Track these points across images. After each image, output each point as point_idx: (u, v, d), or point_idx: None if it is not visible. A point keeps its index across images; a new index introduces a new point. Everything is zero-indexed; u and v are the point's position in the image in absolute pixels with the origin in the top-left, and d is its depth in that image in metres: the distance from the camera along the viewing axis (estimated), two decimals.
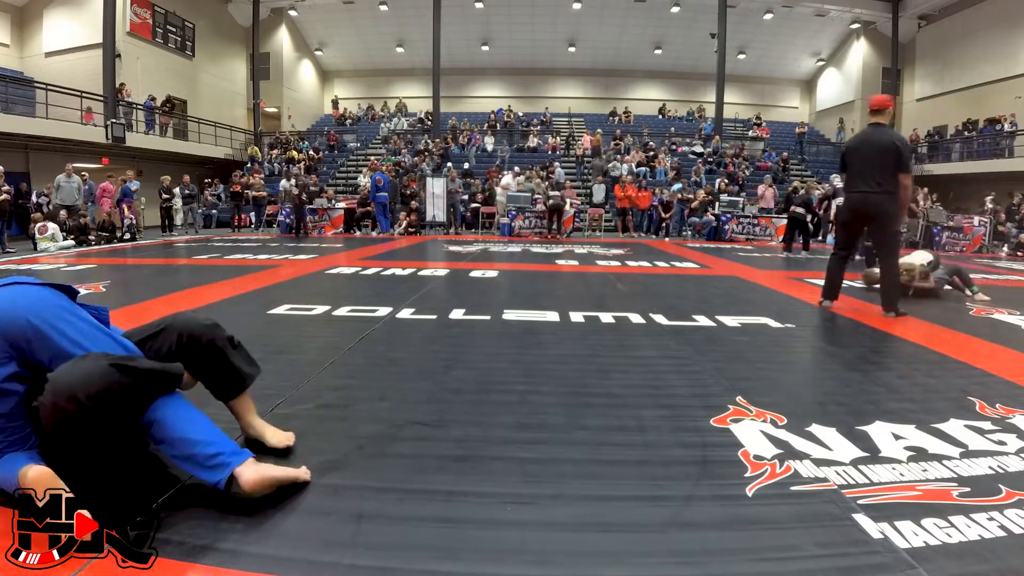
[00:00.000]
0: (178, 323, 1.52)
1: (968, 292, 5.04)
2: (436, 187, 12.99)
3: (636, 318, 3.71)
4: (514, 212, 12.65)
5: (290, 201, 11.91)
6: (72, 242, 9.31)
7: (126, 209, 11.02)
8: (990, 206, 12.50)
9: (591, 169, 16.12)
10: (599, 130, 18.65)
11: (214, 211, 14.47)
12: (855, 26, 20.25)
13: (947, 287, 5.18)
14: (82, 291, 4.51)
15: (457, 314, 3.73)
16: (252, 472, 1.34)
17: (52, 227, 9.21)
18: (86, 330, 1.37)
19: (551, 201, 11.90)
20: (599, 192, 13.72)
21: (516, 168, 14.49)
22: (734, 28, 18.74)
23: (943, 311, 4.36)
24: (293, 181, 11.43)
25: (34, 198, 10.59)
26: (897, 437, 1.84)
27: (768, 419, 1.97)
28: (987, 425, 1.96)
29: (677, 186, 13.61)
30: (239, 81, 20.53)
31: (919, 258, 5.15)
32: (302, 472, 1.48)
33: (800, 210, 9.77)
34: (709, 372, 2.54)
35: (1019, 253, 11.12)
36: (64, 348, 1.31)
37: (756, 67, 22.81)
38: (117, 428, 1.32)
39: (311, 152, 18.20)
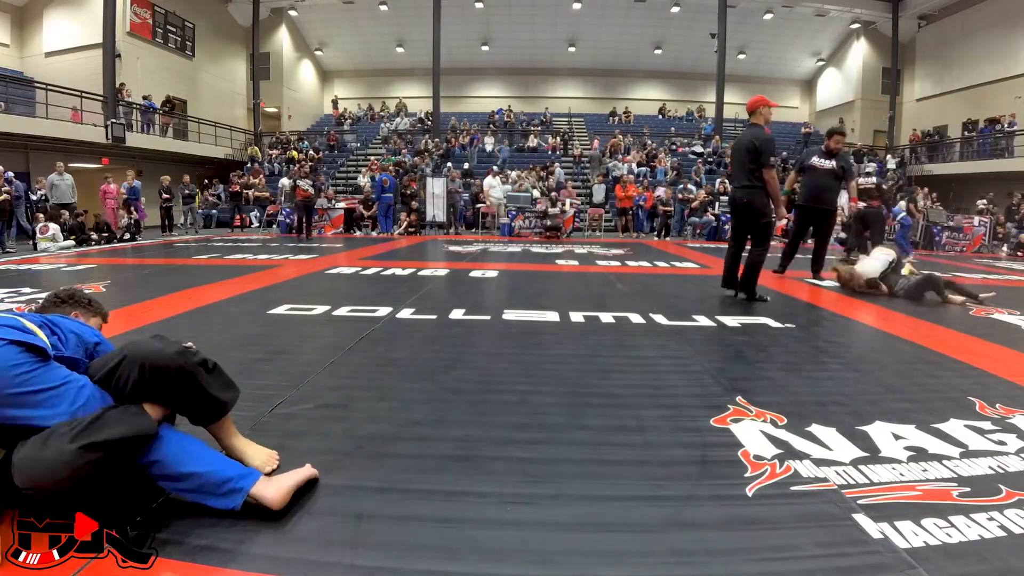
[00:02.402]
0: (138, 353, 1.32)
1: (941, 297, 4.64)
2: (436, 187, 12.99)
3: (636, 318, 3.71)
4: (514, 212, 12.65)
5: (291, 201, 11.88)
6: (72, 242, 9.30)
7: (124, 210, 11.01)
8: (982, 206, 12.45)
9: (591, 163, 16.09)
10: (615, 132, 18.71)
11: (214, 211, 14.47)
12: (855, 26, 20.24)
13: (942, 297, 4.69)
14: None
15: (457, 314, 3.73)
16: (272, 490, 1.33)
17: (53, 227, 9.20)
18: (47, 394, 1.26)
19: (549, 221, 12.04)
20: (599, 192, 13.72)
21: (495, 168, 14.48)
22: (734, 28, 18.72)
23: (943, 311, 4.36)
24: (307, 181, 11.38)
25: (32, 196, 10.55)
26: (897, 437, 1.84)
27: (768, 419, 1.97)
28: (987, 425, 1.96)
29: (679, 185, 13.60)
30: (239, 81, 20.51)
31: (876, 262, 4.94)
32: (310, 470, 1.49)
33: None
34: (709, 372, 2.54)
35: (1019, 253, 11.12)
36: (29, 420, 1.23)
37: (756, 67, 22.80)
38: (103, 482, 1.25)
39: (311, 152, 18.20)
